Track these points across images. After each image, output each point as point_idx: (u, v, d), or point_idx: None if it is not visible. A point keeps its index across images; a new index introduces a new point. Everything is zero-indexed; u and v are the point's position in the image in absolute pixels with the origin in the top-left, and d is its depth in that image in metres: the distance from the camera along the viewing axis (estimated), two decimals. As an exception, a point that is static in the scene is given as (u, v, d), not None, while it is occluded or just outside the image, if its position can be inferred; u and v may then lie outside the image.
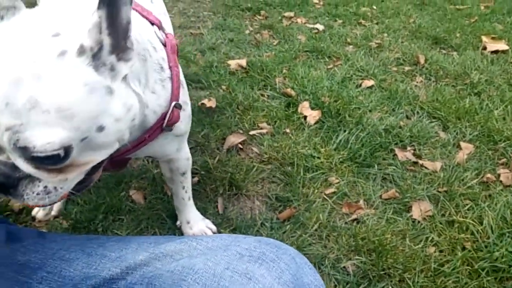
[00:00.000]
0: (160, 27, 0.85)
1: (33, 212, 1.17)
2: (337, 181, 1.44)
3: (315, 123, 1.73)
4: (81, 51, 0.54)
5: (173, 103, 0.79)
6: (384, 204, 1.37)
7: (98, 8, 0.54)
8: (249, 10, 3.01)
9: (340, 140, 1.62)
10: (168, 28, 1.13)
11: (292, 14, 3.02)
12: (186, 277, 0.56)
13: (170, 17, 2.75)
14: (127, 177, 1.33)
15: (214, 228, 1.21)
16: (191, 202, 1.18)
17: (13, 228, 0.83)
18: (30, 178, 0.57)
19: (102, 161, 0.64)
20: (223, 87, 1.94)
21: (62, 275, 0.66)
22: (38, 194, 0.58)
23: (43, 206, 0.60)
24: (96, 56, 0.55)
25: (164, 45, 0.82)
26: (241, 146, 1.57)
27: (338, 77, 2.11)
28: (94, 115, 0.56)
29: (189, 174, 1.12)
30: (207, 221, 1.22)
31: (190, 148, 1.52)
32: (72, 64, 0.53)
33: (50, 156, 0.53)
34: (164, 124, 0.79)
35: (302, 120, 1.75)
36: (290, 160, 1.50)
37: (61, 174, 0.59)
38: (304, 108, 1.81)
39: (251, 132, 1.65)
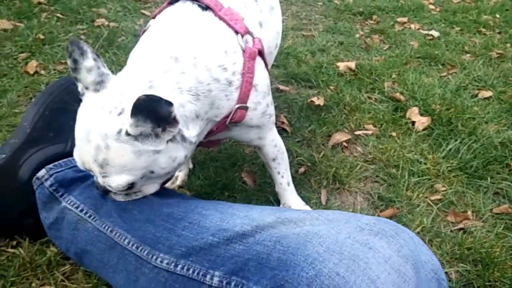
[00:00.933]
0: (246, 33, 0.94)
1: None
2: (443, 188, 1.41)
3: (423, 129, 1.70)
4: (128, 133, 0.76)
5: (236, 106, 0.92)
6: (495, 219, 1.31)
7: (131, 116, 0.72)
8: (361, 15, 3.02)
9: (450, 149, 1.58)
10: (273, 23, 1.15)
11: (405, 19, 2.95)
12: (312, 239, 0.63)
13: (284, 19, 2.88)
14: (240, 161, 1.47)
15: (315, 216, 1.27)
16: (291, 188, 1.24)
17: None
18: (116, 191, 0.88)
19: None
20: (331, 87, 1.99)
21: (201, 226, 0.78)
22: (121, 199, 0.90)
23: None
24: (140, 136, 0.76)
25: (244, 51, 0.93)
26: (345, 144, 1.61)
27: (452, 85, 2.03)
28: (144, 167, 0.81)
29: (282, 161, 1.17)
30: (308, 207, 1.27)
31: (297, 142, 1.62)
32: (124, 140, 0.77)
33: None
34: (227, 122, 0.94)
35: (410, 125, 1.73)
36: (394, 163, 1.51)
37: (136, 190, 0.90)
38: (413, 113, 1.79)
39: (357, 132, 1.68)
